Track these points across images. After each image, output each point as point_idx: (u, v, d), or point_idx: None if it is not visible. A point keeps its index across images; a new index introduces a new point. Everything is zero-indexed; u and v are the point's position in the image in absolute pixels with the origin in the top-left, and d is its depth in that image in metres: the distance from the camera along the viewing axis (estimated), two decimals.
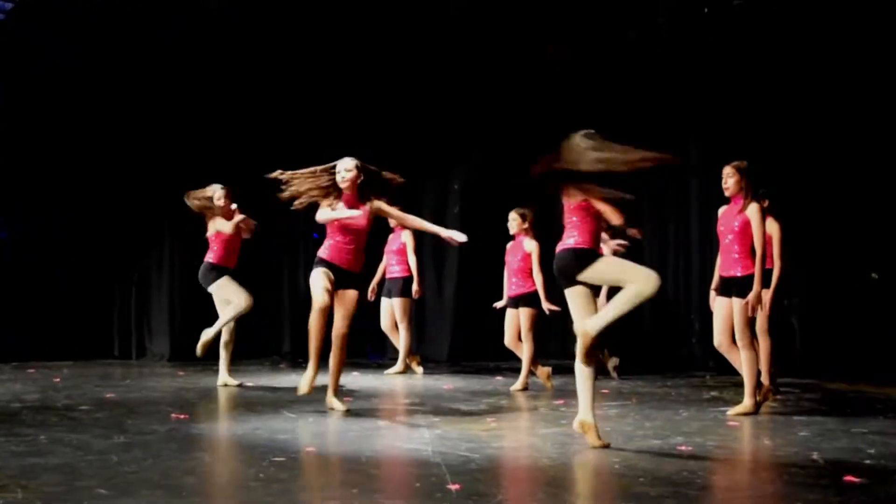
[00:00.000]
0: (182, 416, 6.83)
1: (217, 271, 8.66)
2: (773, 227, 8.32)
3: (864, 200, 9.97)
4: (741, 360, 7.13)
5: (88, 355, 10.83)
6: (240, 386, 8.70)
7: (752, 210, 7.07)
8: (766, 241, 8.16)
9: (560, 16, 10.76)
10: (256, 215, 11.36)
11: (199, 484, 4.71)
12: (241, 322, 11.21)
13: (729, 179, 7.19)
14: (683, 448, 5.68)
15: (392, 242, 10.11)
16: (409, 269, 10.02)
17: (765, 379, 8.29)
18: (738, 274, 7.11)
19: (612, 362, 9.65)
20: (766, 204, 8.38)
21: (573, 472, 5.15)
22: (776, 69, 10.25)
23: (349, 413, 7.03)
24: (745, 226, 7.11)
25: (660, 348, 10.91)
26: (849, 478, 4.86)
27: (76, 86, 11.09)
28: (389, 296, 10.02)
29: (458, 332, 11.58)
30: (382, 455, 5.44)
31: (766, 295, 8.22)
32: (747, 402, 7.10)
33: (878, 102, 9.90)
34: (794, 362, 9.81)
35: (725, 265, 7.21)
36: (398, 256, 10.04)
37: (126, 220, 10.53)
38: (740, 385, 8.65)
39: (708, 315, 9.79)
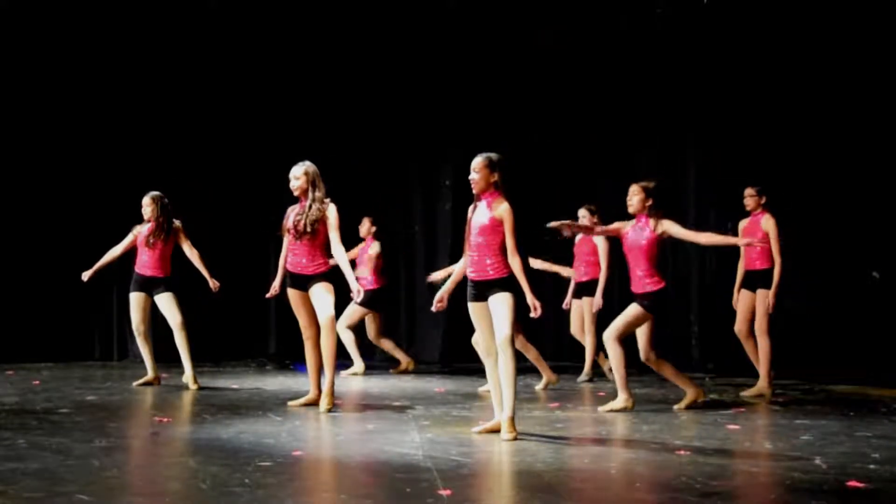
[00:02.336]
0: (165, 420, 6.75)
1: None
2: (769, 224, 8.26)
3: (866, 198, 9.92)
4: (663, 371, 7.42)
5: (68, 357, 10.68)
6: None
7: (667, 224, 7.17)
8: (777, 240, 8.14)
9: (556, 8, 10.71)
10: (239, 214, 11.33)
11: (182, 489, 4.62)
12: (227, 323, 11.18)
13: (634, 197, 7.27)
14: (682, 452, 5.60)
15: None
16: (379, 280, 10.29)
17: (764, 381, 8.24)
18: (647, 290, 7.19)
19: (608, 364, 9.56)
20: (763, 201, 8.34)
21: (568, 478, 5.05)
22: (778, 63, 10.22)
23: (338, 416, 6.93)
24: (650, 244, 7.17)
25: (657, 350, 10.80)
26: (853, 483, 4.80)
27: (54, 85, 10.97)
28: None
29: (450, 334, 11.46)
30: (372, 459, 5.35)
31: (765, 294, 8.18)
32: (689, 395, 7.32)
33: (882, 97, 9.83)
34: (796, 364, 9.74)
35: (635, 282, 7.27)
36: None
37: (105, 218, 10.38)
38: (738, 386, 8.63)
39: (706, 317, 9.73)
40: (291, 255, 7.33)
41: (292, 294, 7.36)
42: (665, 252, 11.00)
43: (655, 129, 11.02)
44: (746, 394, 8.26)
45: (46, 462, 5.06)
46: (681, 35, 10.68)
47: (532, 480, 4.95)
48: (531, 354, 8.47)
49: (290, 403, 7.47)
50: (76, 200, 10.96)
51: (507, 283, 6.00)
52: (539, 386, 8.72)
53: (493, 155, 6.12)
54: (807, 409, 7.50)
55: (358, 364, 10.14)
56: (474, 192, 6.13)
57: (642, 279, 7.19)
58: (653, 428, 6.50)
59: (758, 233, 8.33)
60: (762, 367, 8.32)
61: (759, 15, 10.20)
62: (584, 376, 9.49)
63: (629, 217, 7.36)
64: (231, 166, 11.51)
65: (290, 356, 10.94)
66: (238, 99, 11.50)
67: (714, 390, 8.68)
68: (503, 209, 6.01)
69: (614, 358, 7.29)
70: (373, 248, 10.23)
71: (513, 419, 5.94)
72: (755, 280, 8.36)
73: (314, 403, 7.33)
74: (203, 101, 11.39)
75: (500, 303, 5.95)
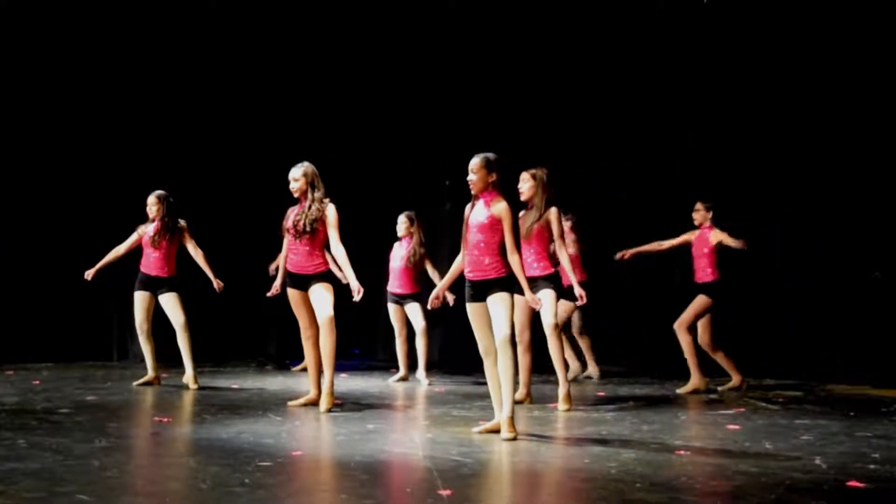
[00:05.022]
0: (165, 420, 6.73)
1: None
2: (714, 238, 8.44)
3: (868, 198, 9.92)
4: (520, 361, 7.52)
5: (68, 357, 10.67)
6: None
7: (552, 214, 7.51)
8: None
9: (556, 9, 10.71)
10: (239, 215, 11.33)
11: (182, 489, 4.61)
12: (227, 323, 11.18)
13: (524, 184, 7.53)
14: (682, 453, 5.60)
15: None
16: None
17: (696, 374, 8.38)
18: (537, 274, 7.44)
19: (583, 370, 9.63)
20: (711, 216, 8.52)
21: (568, 478, 5.04)
22: (777, 63, 10.22)
23: (338, 416, 6.91)
24: (541, 228, 7.48)
25: (658, 350, 10.82)
26: (853, 483, 4.81)
27: (56, 85, 10.98)
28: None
29: (451, 334, 11.45)
30: (372, 459, 5.34)
31: (702, 300, 8.33)
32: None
33: (883, 96, 9.83)
34: (797, 364, 9.75)
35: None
36: None
37: (106, 218, 10.37)
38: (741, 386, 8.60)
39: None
40: (291, 255, 7.34)
41: (292, 294, 7.36)
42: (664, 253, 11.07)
43: (655, 129, 11.02)
44: (682, 390, 8.48)
45: (46, 462, 5.04)
46: (681, 35, 10.68)
47: (532, 480, 4.95)
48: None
49: (290, 403, 7.46)
50: (77, 200, 10.96)
51: (505, 282, 6.00)
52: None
53: (491, 155, 6.14)
54: (807, 409, 7.50)
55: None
56: (472, 192, 6.16)
57: (532, 263, 7.46)
58: (653, 428, 6.49)
59: (705, 246, 8.47)
60: (692, 364, 8.47)
61: (760, 15, 10.20)
62: (585, 374, 9.50)
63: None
64: (231, 167, 11.51)
65: (290, 356, 10.94)
66: (239, 99, 11.51)
67: (714, 390, 8.69)
68: (501, 208, 6.02)
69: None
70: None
71: (512, 419, 5.94)
72: (699, 290, 8.58)
73: (314, 403, 7.33)
74: (204, 102, 11.40)
75: (499, 303, 5.95)
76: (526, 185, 7.52)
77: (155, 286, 8.69)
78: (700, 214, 8.62)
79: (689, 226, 8.63)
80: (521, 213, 7.61)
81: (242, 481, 4.65)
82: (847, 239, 9.91)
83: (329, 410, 7.09)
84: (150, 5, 10.95)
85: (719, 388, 8.58)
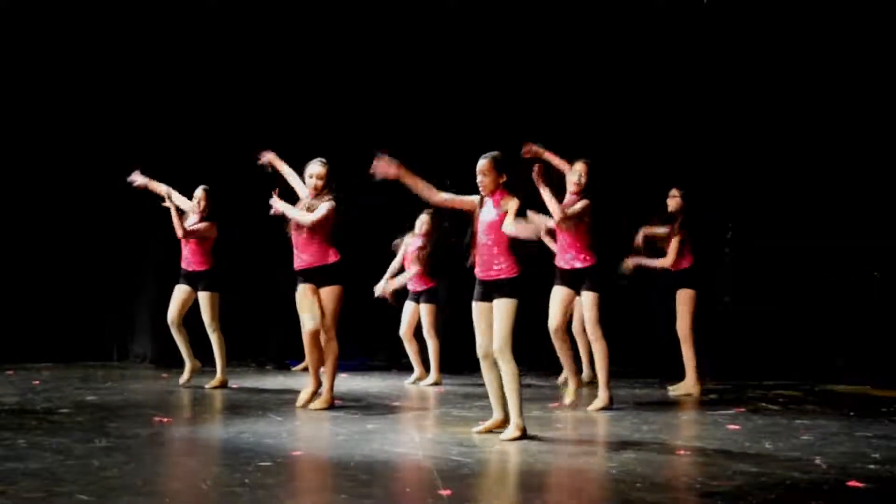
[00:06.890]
0: (165, 420, 6.73)
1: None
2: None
3: (867, 199, 9.91)
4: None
5: (68, 357, 10.66)
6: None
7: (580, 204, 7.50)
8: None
9: (556, 9, 10.72)
10: (242, 214, 11.32)
11: (182, 490, 4.62)
12: (227, 323, 11.15)
13: (584, 177, 7.64)
14: (682, 453, 5.59)
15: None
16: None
17: (692, 378, 8.36)
18: (578, 266, 7.43)
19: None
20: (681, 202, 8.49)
21: (568, 478, 5.04)
22: (779, 60, 10.22)
23: (338, 416, 6.92)
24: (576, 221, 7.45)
25: (658, 350, 10.83)
26: (853, 483, 4.81)
27: (56, 84, 10.98)
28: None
29: (451, 334, 11.45)
30: (372, 459, 5.34)
31: (686, 294, 8.30)
32: (603, 395, 7.40)
33: (883, 96, 9.84)
34: (797, 364, 9.75)
35: (564, 256, 7.51)
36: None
37: (107, 216, 10.36)
38: (738, 386, 8.62)
39: (703, 316, 9.71)
40: (296, 251, 7.36)
41: (300, 286, 7.35)
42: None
43: (655, 129, 11.01)
44: (675, 393, 8.40)
45: (46, 462, 5.05)
46: (681, 35, 10.67)
47: (532, 480, 4.95)
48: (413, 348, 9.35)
49: (298, 401, 7.43)
50: (77, 200, 10.95)
51: (514, 284, 5.96)
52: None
53: (497, 154, 6.09)
54: (807, 409, 7.50)
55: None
56: (483, 194, 6.10)
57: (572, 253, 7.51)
58: (653, 428, 6.50)
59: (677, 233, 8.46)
60: (689, 368, 8.40)
61: (760, 15, 10.20)
62: (586, 377, 9.51)
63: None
64: (231, 167, 11.48)
65: (290, 356, 10.93)
66: (239, 99, 11.48)
67: (714, 390, 8.69)
68: (512, 204, 5.97)
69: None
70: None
71: (523, 426, 5.91)
72: (677, 280, 8.46)
73: (313, 394, 7.34)
74: (204, 102, 11.37)
75: (503, 310, 5.90)
76: (584, 178, 7.59)
77: (195, 281, 8.66)
78: (674, 201, 8.54)
79: None
80: (566, 202, 7.54)
81: (242, 481, 4.65)
82: (847, 239, 9.90)
83: (326, 409, 7.09)
84: (151, 5, 10.94)
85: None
